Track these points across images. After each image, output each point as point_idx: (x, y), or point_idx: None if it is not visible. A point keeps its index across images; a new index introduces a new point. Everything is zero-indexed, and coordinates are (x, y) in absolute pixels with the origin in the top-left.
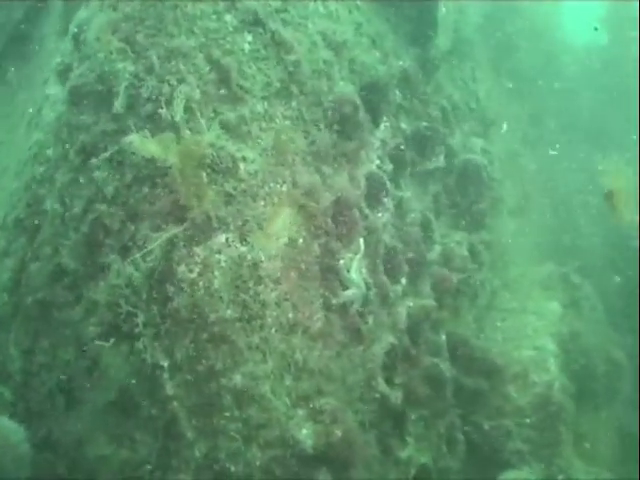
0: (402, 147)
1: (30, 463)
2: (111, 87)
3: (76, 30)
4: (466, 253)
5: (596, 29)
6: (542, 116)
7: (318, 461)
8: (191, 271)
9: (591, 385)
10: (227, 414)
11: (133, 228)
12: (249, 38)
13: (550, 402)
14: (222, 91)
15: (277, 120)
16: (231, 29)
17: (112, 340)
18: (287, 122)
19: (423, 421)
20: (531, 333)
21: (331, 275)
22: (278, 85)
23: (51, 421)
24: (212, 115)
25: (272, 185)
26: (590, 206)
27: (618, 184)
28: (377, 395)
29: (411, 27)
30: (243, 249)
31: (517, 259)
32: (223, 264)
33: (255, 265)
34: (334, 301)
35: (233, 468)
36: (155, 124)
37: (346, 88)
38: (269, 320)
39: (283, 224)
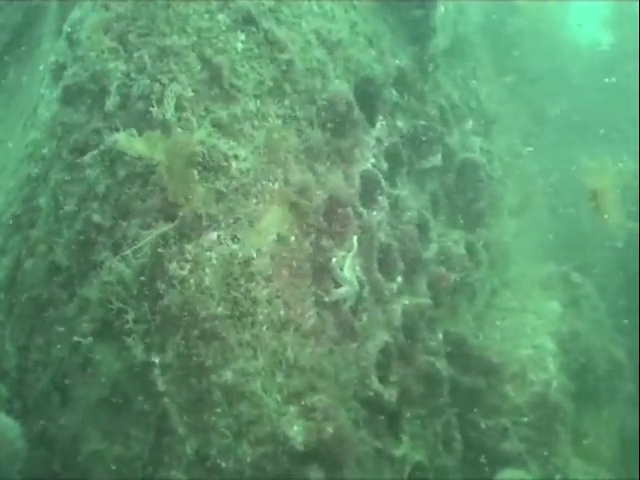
0: (399, 145)
1: (25, 459)
2: (103, 86)
3: (69, 30)
4: (463, 252)
5: (580, 25)
6: (544, 116)
7: (309, 458)
8: (182, 268)
9: (592, 384)
10: (218, 410)
11: (125, 225)
12: (242, 37)
13: (548, 401)
14: (214, 89)
15: (270, 118)
16: (224, 28)
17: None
18: (280, 120)
19: (419, 419)
20: (530, 332)
21: (323, 273)
22: (271, 83)
23: (46, 417)
24: (203, 113)
25: (264, 183)
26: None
27: (602, 183)
28: (371, 393)
29: (409, 26)
30: (234, 246)
31: (518, 258)
32: (214, 261)
33: (246, 262)
34: (326, 299)
35: (224, 464)
36: (147, 123)
37: (340, 86)
38: (260, 317)
39: (274, 222)
